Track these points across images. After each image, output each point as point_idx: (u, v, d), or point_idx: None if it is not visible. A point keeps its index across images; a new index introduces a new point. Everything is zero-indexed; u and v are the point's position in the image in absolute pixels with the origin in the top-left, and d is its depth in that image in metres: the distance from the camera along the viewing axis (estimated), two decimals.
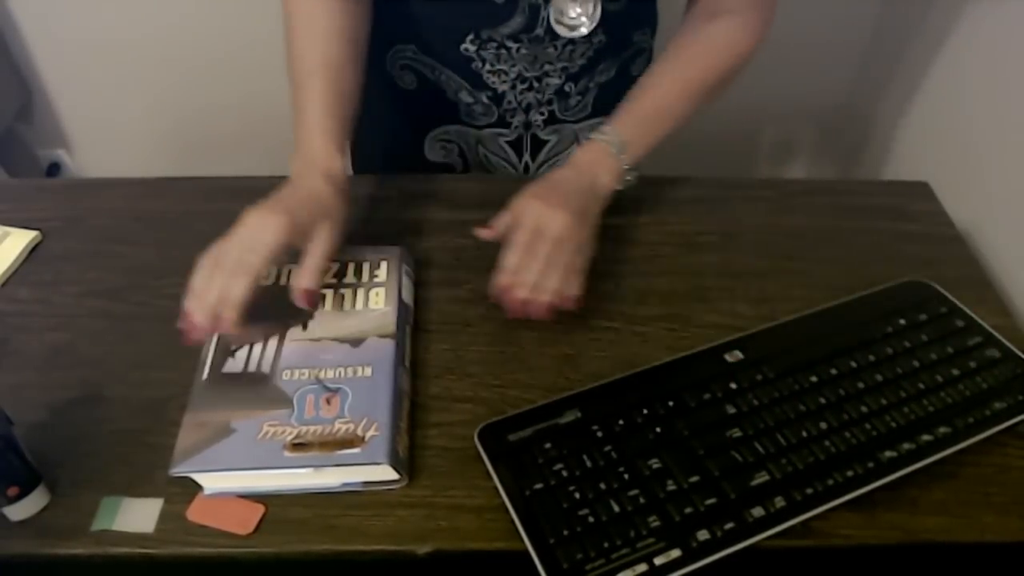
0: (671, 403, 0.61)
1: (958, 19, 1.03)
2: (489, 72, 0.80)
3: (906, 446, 0.58)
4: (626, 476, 0.56)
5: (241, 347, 0.63)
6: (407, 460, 0.59)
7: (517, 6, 0.73)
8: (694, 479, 0.56)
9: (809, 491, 0.55)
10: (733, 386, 0.62)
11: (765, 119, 1.54)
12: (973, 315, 0.68)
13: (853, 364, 0.64)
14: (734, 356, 0.65)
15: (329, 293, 0.67)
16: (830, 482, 0.56)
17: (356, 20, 0.73)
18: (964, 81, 1.00)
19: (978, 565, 0.59)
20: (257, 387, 0.60)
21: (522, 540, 0.53)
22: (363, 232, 0.75)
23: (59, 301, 0.72)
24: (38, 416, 0.62)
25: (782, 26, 1.36)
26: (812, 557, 0.56)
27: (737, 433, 0.59)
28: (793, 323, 0.69)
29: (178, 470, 0.55)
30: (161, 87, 1.53)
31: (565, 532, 0.53)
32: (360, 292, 0.67)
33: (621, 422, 0.59)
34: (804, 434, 0.59)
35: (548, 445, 0.58)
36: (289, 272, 0.68)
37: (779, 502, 0.55)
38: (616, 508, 0.54)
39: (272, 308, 0.65)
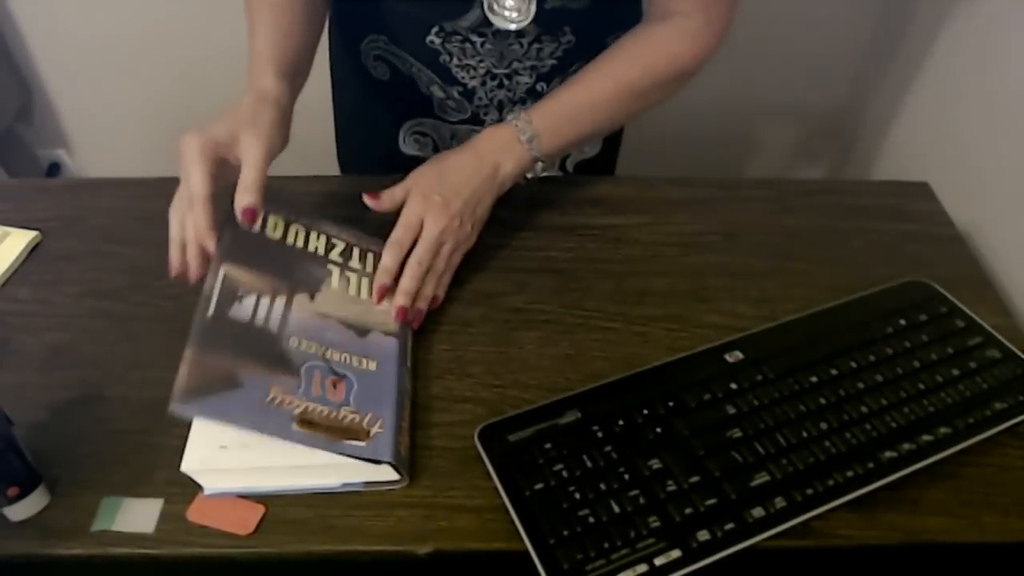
0: (671, 403, 0.61)
1: (958, 19, 1.03)
2: (457, 67, 0.80)
3: (906, 446, 0.58)
4: (626, 476, 0.56)
5: (248, 295, 0.61)
6: (408, 460, 0.59)
7: (474, 0, 0.74)
8: (694, 479, 0.56)
9: (809, 491, 0.55)
10: (733, 386, 0.62)
11: (765, 119, 1.54)
12: (973, 315, 0.68)
13: (853, 364, 0.64)
14: (734, 356, 0.65)
15: (336, 271, 0.67)
16: (830, 482, 0.56)
17: None
18: (964, 81, 1.00)
19: (978, 565, 0.59)
20: (264, 344, 0.59)
21: (522, 540, 0.53)
22: (362, 232, 0.75)
23: (59, 301, 0.72)
24: (38, 416, 0.62)
25: (782, 26, 1.37)
26: (812, 557, 0.56)
27: (737, 433, 0.59)
28: (793, 323, 0.69)
29: (183, 410, 0.53)
30: (161, 87, 1.53)
31: (565, 532, 0.53)
32: (364, 282, 0.67)
33: (621, 422, 0.59)
34: (804, 434, 0.59)
35: (548, 445, 0.58)
36: (297, 232, 0.68)
37: (779, 502, 0.55)
38: (616, 508, 0.54)
39: (281, 267, 0.64)
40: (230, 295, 0.60)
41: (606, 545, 0.52)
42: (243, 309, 0.60)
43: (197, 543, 0.55)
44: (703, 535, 0.53)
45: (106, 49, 1.47)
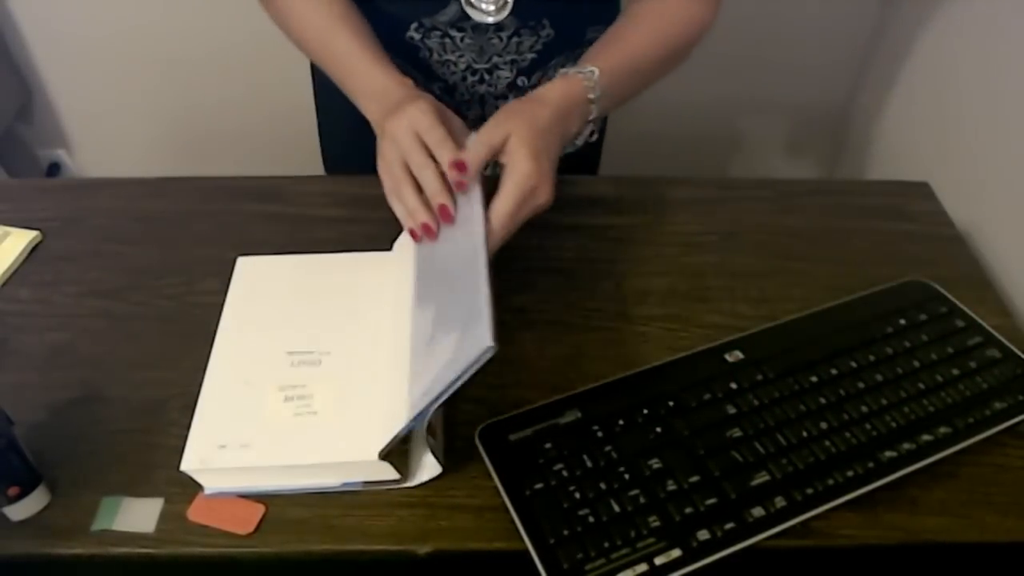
0: (671, 403, 0.61)
1: (958, 19, 1.03)
2: (438, 62, 0.80)
3: (906, 446, 0.58)
4: (626, 476, 0.56)
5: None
6: (442, 448, 0.58)
7: None
8: (694, 479, 0.56)
9: (809, 491, 0.55)
10: (733, 386, 0.62)
11: (765, 119, 1.54)
12: (973, 315, 0.68)
13: (853, 364, 0.64)
14: (734, 356, 0.65)
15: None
16: (830, 482, 0.56)
17: None
18: (964, 81, 1.00)
19: (978, 565, 0.59)
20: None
21: (522, 540, 0.53)
22: (362, 232, 0.75)
23: (59, 301, 0.72)
24: (38, 416, 0.62)
25: (782, 26, 1.37)
26: (812, 557, 0.56)
27: (737, 433, 0.59)
28: (793, 323, 0.69)
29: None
30: (161, 87, 1.53)
31: (565, 532, 0.53)
32: None
33: (621, 422, 0.60)
34: (804, 434, 0.59)
35: (548, 445, 0.58)
36: None
37: (779, 502, 0.55)
38: (616, 508, 0.54)
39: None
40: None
41: (606, 544, 0.52)
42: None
43: (197, 543, 0.55)
44: (703, 535, 0.53)
45: (106, 49, 1.47)
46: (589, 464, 0.57)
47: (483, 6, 0.74)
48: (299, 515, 0.56)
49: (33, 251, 0.77)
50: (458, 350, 0.53)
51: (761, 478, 0.56)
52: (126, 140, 1.62)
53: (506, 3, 0.74)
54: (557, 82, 0.67)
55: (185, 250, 0.77)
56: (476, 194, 0.62)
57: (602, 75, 0.66)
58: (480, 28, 0.77)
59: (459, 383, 0.52)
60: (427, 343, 0.58)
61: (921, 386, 0.62)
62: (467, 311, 0.54)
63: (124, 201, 0.83)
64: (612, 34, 0.73)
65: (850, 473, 0.56)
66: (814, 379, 0.62)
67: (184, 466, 0.55)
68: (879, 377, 0.63)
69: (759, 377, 0.63)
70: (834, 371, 0.63)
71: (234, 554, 0.55)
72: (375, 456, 0.55)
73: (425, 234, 0.63)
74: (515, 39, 0.78)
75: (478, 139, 0.62)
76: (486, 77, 0.81)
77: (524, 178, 0.60)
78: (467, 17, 0.75)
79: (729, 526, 0.53)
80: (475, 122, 0.84)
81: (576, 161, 0.93)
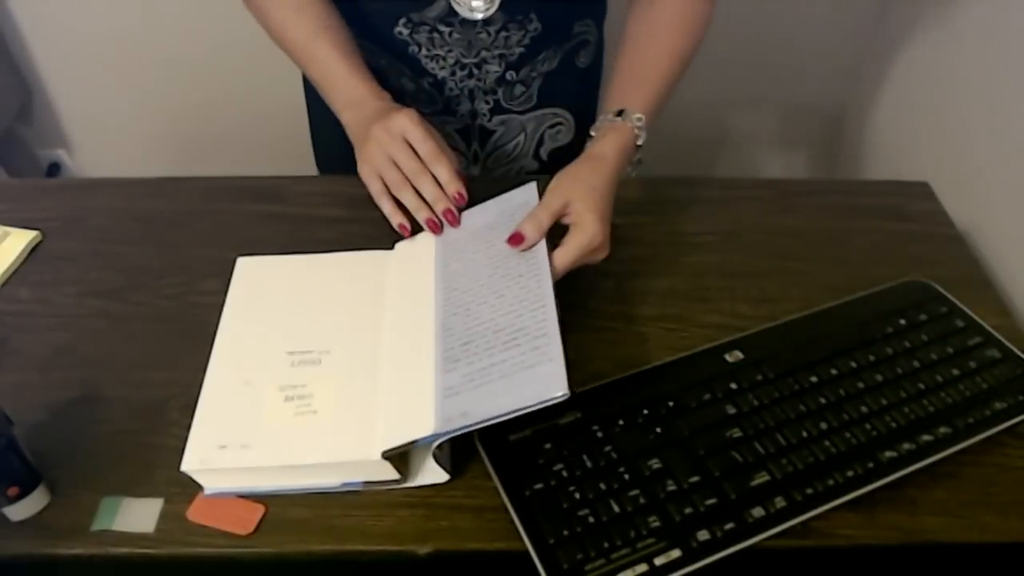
0: (671, 403, 0.61)
1: (958, 19, 1.03)
2: (426, 57, 0.80)
3: (906, 446, 0.58)
4: (626, 476, 0.56)
5: None
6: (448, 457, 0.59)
7: None
8: (694, 479, 0.56)
9: (809, 491, 0.55)
10: (733, 386, 0.62)
11: (765, 119, 1.54)
12: (973, 315, 0.68)
13: (853, 364, 0.64)
14: (734, 356, 0.65)
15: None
16: (830, 482, 0.56)
17: None
18: (964, 81, 1.00)
19: (978, 565, 0.59)
20: None
21: (522, 540, 0.53)
22: (362, 232, 0.75)
23: (59, 301, 0.72)
24: (38, 416, 0.62)
25: (782, 26, 1.37)
26: (812, 557, 0.56)
27: (737, 433, 0.59)
28: (793, 323, 0.69)
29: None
30: (161, 87, 1.53)
31: (565, 532, 0.53)
32: None
33: (621, 422, 0.59)
34: (804, 434, 0.59)
35: (548, 445, 0.58)
36: None
37: (779, 502, 0.55)
38: (616, 508, 0.54)
39: None
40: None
41: (606, 545, 0.52)
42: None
43: (197, 543, 0.55)
44: (703, 535, 0.53)
45: (106, 49, 1.47)
46: (589, 464, 0.57)
47: (472, 3, 0.74)
48: (299, 515, 0.56)
49: (33, 251, 0.77)
50: (521, 385, 0.53)
51: (761, 478, 0.56)
52: (126, 140, 1.62)
53: (493, 1, 0.75)
54: (610, 136, 0.69)
55: (185, 250, 0.77)
56: (540, 244, 0.64)
57: (645, 117, 0.70)
58: (468, 23, 0.77)
59: (512, 416, 0.53)
60: (464, 351, 0.58)
61: (921, 386, 0.62)
62: (534, 349, 0.55)
63: (124, 201, 0.83)
64: (636, 63, 0.74)
65: (850, 473, 0.56)
66: (814, 379, 0.62)
67: (185, 466, 0.55)
68: (879, 377, 0.63)
69: (759, 377, 0.63)
70: (834, 371, 0.63)
71: (234, 554, 0.55)
72: (376, 455, 0.55)
73: (431, 228, 0.68)
74: (503, 34, 0.78)
75: (542, 206, 0.64)
76: (475, 72, 0.81)
77: (590, 240, 0.63)
78: (455, 12, 0.76)
79: (729, 526, 0.53)
80: (465, 117, 0.85)
81: (567, 154, 0.93)
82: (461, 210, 0.68)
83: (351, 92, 0.71)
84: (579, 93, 0.90)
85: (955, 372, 0.63)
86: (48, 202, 0.83)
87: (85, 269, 0.75)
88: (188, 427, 0.57)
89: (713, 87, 1.38)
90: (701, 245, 0.79)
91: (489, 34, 0.78)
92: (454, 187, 0.66)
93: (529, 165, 0.91)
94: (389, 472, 0.56)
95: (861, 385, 0.62)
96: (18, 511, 0.55)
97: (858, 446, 0.58)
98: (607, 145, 0.68)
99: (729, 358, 0.65)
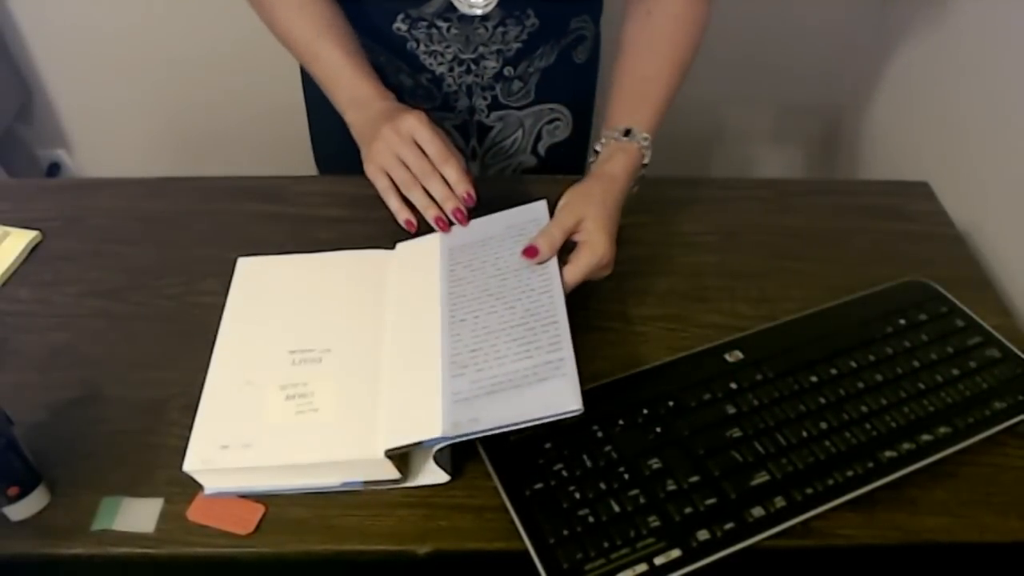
0: (671, 403, 0.61)
1: (958, 19, 1.03)
2: (424, 53, 0.80)
3: (906, 446, 0.58)
4: (626, 476, 0.56)
5: None
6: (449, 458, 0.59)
7: None
8: (694, 479, 0.56)
9: (809, 491, 0.55)
10: (733, 386, 0.62)
11: (765, 118, 1.54)
12: (973, 315, 0.68)
13: (853, 364, 0.64)
14: (734, 356, 0.65)
15: None
16: (830, 482, 0.56)
17: None
18: (964, 81, 1.00)
19: (978, 565, 0.59)
20: None
21: (522, 540, 0.53)
22: (362, 232, 0.75)
23: (59, 301, 0.72)
24: (38, 416, 0.62)
25: (782, 26, 1.37)
26: (812, 557, 0.56)
27: (737, 433, 0.59)
28: (793, 323, 0.69)
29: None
30: (161, 87, 1.53)
31: (565, 532, 0.53)
32: None
33: (621, 422, 0.60)
34: (804, 434, 0.59)
35: (548, 445, 0.58)
36: None
37: (779, 502, 0.55)
38: (616, 508, 0.54)
39: None
40: None
41: (606, 544, 0.52)
42: None
43: (197, 543, 0.55)
44: (703, 535, 0.53)
45: (106, 49, 1.47)
46: (589, 464, 0.57)
47: None
48: (299, 515, 0.56)
49: (33, 251, 0.77)
50: (535, 397, 0.54)
51: (761, 478, 0.56)
52: (126, 140, 1.62)
53: None
54: (618, 157, 0.70)
55: (185, 250, 0.77)
56: (552, 260, 0.64)
57: (651, 134, 0.71)
58: (466, 19, 0.77)
59: (520, 426, 0.53)
60: (473, 358, 0.58)
61: (921, 386, 0.62)
62: (548, 363, 0.56)
63: (124, 201, 0.83)
64: (639, 76, 0.74)
65: (850, 473, 0.56)
66: (814, 379, 0.62)
67: (187, 467, 0.55)
68: (879, 377, 0.63)
69: (759, 377, 0.63)
70: (834, 371, 0.63)
71: (234, 554, 0.55)
72: (378, 454, 0.55)
73: (440, 226, 0.68)
74: (500, 29, 0.79)
75: (554, 223, 0.65)
76: (473, 67, 0.82)
77: (599, 257, 0.64)
78: (453, 8, 0.76)
79: (729, 526, 0.53)
80: (463, 113, 0.85)
81: (564, 149, 0.94)
82: (469, 211, 0.68)
83: (355, 91, 0.72)
84: (576, 89, 0.90)
85: (955, 372, 0.63)
86: (48, 202, 0.83)
87: (85, 269, 0.75)
88: (188, 427, 0.57)
89: (712, 86, 1.37)
90: (701, 245, 0.79)
91: (487, 29, 0.78)
92: (463, 187, 0.67)
93: (527, 161, 0.92)
94: (390, 471, 0.56)
95: (861, 385, 0.62)
96: (18, 511, 0.55)
97: (858, 446, 0.58)
98: (616, 166, 0.69)
99: (729, 358, 0.65)
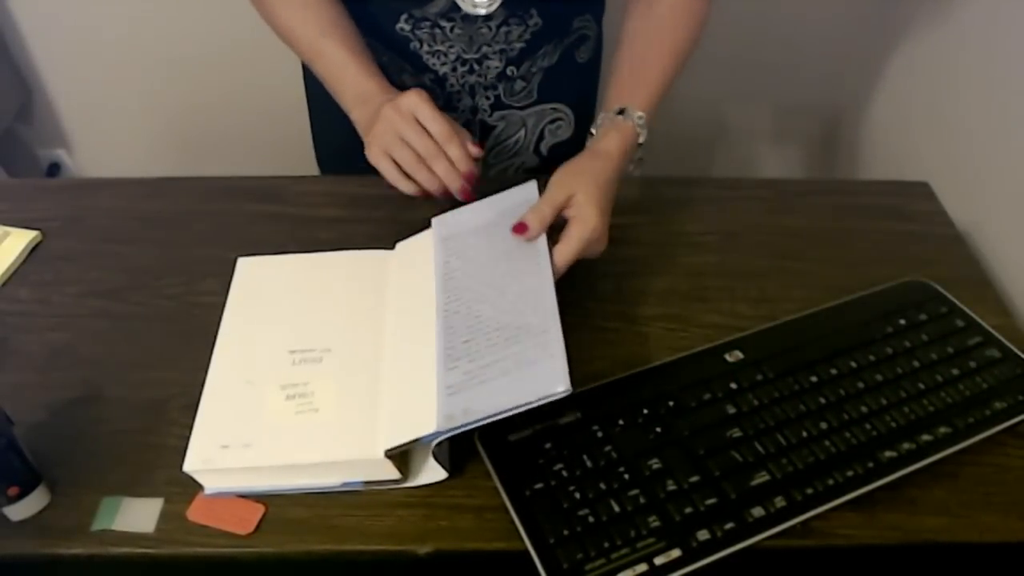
0: (671, 403, 0.61)
1: (958, 19, 1.03)
2: (427, 53, 0.81)
3: (906, 446, 0.58)
4: (626, 476, 0.56)
5: None
6: (447, 455, 0.59)
7: None
8: (694, 479, 0.56)
9: (809, 491, 0.55)
10: (733, 386, 0.62)
11: (765, 118, 1.54)
12: (973, 315, 0.68)
13: (853, 364, 0.64)
14: (734, 356, 0.65)
15: None
16: (830, 482, 0.56)
17: None
18: (964, 81, 1.00)
19: (978, 565, 0.59)
20: None
21: (522, 540, 0.53)
22: (362, 232, 0.75)
23: (59, 301, 0.72)
24: (38, 416, 0.62)
25: (782, 26, 1.37)
26: (812, 557, 0.56)
27: (737, 433, 0.59)
28: (793, 323, 0.69)
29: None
30: (161, 87, 1.53)
31: (565, 532, 0.53)
32: None
33: (621, 422, 0.60)
34: (804, 434, 0.59)
35: (548, 445, 0.58)
36: None
37: (779, 502, 0.55)
38: (616, 508, 0.54)
39: None
40: None
41: (606, 544, 0.52)
42: None
43: (197, 543, 0.55)
44: (703, 534, 0.53)
45: (106, 49, 1.47)
46: (589, 464, 0.57)
47: None
48: (299, 515, 0.56)
49: (33, 251, 0.77)
50: (523, 381, 0.54)
51: (761, 478, 0.56)
52: (126, 140, 1.62)
53: None
54: (613, 134, 0.70)
55: (185, 250, 0.77)
56: (541, 240, 0.64)
57: (646, 115, 0.71)
58: (469, 19, 0.77)
59: (513, 412, 0.53)
60: (466, 349, 0.58)
61: (921, 386, 0.62)
62: (535, 345, 0.56)
63: (124, 201, 0.83)
64: (637, 61, 0.74)
65: (850, 473, 0.56)
66: (814, 379, 0.62)
67: (187, 467, 0.55)
68: (879, 377, 0.63)
69: (759, 377, 0.63)
70: (834, 371, 0.63)
71: (234, 554, 0.55)
72: (378, 453, 0.55)
73: (443, 197, 0.69)
74: (504, 29, 0.79)
75: (544, 198, 0.65)
76: (476, 67, 0.82)
77: (591, 231, 0.64)
78: (456, 8, 0.76)
79: (729, 526, 0.53)
80: (466, 113, 0.85)
81: (567, 149, 0.93)
82: (473, 189, 0.68)
83: (360, 88, 0.72)
84: (579, 88, 0.90)
85: (955, 372, 0.63)
86: (48, 202, 0.83)
87: (85, 269, 0.75)
88: (188, 427, 0.57)
89: (712, 85, 1.38)
90: (700, 245, 0.79)
91: (490, 29, 0.78)
92: (466, 166, 0.67)
93: (530, 160, 0.92)
94: (390, 471, 0.56)
95: (861, 385, 0.62)
96: (18, 511, 0.55)
97: (858, 446, 0.58)
98: (610, 142, 0.69)
99: (729, 358, 0.65)
